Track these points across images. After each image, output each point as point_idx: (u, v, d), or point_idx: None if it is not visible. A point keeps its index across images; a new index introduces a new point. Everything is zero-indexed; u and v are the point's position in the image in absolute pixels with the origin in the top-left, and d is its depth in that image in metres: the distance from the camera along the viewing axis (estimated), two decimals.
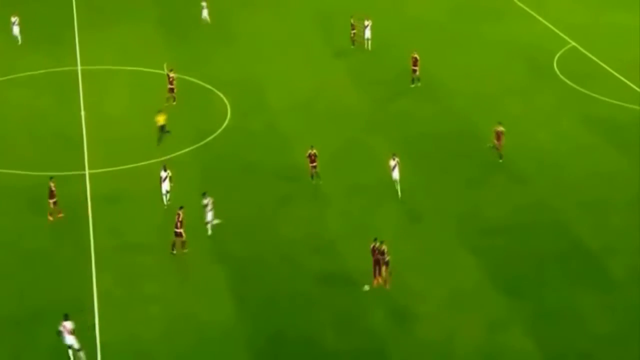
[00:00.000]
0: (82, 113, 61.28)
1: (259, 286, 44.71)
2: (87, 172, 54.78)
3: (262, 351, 40.73)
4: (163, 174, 51.28)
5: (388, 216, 50.11)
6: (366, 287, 43.92)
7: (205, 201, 48.42)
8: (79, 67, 68.89)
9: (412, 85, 64.90)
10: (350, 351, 40.66)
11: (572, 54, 70.09)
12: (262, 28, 76.36)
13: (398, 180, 51.34)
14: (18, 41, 72.65)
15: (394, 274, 44.07)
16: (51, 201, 50.16)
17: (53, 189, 50.05)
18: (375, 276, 44.15)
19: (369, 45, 70.91)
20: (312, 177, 52.99)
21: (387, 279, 44.02)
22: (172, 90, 62.28)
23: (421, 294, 44.19)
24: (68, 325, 39.62)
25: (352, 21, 72.34)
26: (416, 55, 64.81)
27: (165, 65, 64.36)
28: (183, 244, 46.82)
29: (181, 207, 47.09)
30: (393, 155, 51.67)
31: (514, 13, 78.69)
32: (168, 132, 57.68)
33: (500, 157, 54.53)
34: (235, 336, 41.56)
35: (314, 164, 52.77)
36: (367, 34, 70.96)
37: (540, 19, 76.89)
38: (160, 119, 57.88)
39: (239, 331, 41.83)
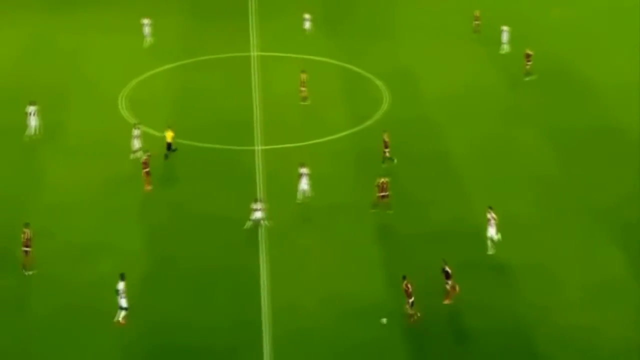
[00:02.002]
0: (254, 94, 64.89)
1: (406, 265, 45.20)
2: (258, 147, 57.37)
3: (404, 328, 41.86)
4: (302, 170, 50.90)
5: (530, 206, 50.41)
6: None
7: (255, 206, 48.72)
8: (254, 54, 72.13)
9: (527, 79, 66.82)
10: (494, 331, 41.59)
11: None
12: (420, 23, 78.51)
13: (493, 239, 46.41)
14: (147, 42, 72.79)
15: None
16: (145, 171, 52.22)
17: (147, 161, 52.16)
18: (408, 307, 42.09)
19: (505, 49, 71.61)
20: (383, 161, 54.65)
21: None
22: (303, 91, 62.96)
23: (564, 284, 44.36)
24: (121, 285, 41.21)
25: (476, 13, 75.26)
26: (529, 52, 66.98)
27: (301, 69, 65.13)
28: (388, 205, 50.21)
29: (385, 177, 50.32)
30: (489, 209, 47.00)
31: None
32: (175, 149, 55.86)
33: None
34: (381, 311, 42.71)
35: (387, 149, 54.67)
36: (504, 38, 71.90)
37: None
38: (168, 136, 55.86)
39: (386, 307, 43.11)
